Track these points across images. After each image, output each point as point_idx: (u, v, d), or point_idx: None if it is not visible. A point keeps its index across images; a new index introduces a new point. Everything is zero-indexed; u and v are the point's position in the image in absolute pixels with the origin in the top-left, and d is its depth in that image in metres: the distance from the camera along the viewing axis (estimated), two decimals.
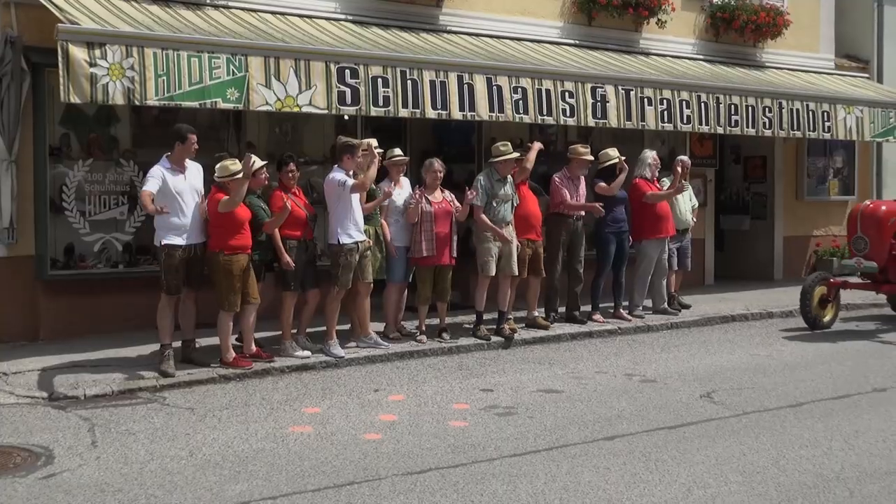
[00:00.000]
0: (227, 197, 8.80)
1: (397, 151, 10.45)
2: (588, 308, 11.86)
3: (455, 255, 10.57)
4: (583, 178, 11.63)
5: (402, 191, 10.49)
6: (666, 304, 12.52)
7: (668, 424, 7.49)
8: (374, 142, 10.02)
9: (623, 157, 11.79)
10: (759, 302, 13.64)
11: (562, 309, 11.85)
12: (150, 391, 8.46)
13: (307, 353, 9.55)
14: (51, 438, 7.01)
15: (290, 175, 9.56)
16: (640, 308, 12.33)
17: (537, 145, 11.23)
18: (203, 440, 7.00)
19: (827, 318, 12.01)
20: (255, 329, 9.59)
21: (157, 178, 8.70)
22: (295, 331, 9.73)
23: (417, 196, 10.24)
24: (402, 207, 10.39)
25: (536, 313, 11.49)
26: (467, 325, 11.15)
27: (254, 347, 9.31)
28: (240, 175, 8.84)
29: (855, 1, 17.65)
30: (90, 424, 7.41)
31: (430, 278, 10.41)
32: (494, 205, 10.56)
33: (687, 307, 12.84)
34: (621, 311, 12.11)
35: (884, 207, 11.90)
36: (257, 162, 9.07)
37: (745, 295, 14.31)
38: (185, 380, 8.69)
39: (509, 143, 10.76)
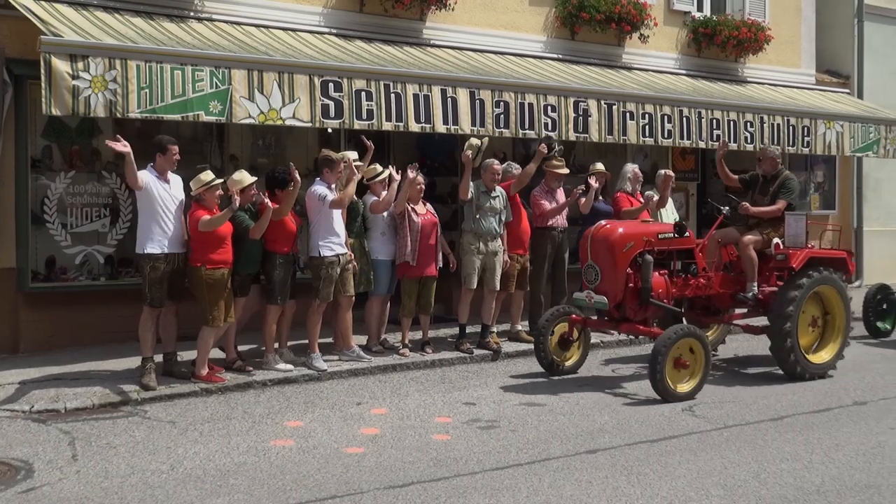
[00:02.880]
0: (208, 217, 8.78)
1: (379, 169, 10.44)
2: None
3: (441, 265, 10.60)
4: (560, 189, 11.62)
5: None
6: None
7: (649, 438, 7.50)
8: (353, 155, 10.05)
9: (599, 173, 11.77)
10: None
11: None
12: (132, 404, 8.41)
13: (289, 366, 9.53)
14: (31, 452, 6.97)
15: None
16: None
17: (542, 152, 11.00)
18: (184, 454, 6.97)
19: (571, 362, 10.03)
20: (238, 341, 9.59)
21: (144, 175, 8.76)
22: (277, 344, 9.71)
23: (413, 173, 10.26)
24: (387, 219, 10.40)
25: (520, 327, 11.50)
26: (450, 339, 11.15)
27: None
28: (216, 183, 8.87)
29: (835, 17, 17.83)
30: (71, 438, 7.37)
31: (414, 291, 10.42)
32: (479, 216, 10.58)
33: None
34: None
35: (620, 230, 9.40)
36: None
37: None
38: (167, 393, 8.65)
39: (474, 140, 10.68)
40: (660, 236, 9.56)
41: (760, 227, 10.32)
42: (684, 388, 8.81)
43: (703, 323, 10.51)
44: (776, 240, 10.10)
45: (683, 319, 10.04)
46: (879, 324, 12.77)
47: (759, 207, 10.35)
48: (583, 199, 11.53)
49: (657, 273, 9.47)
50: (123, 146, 8.53)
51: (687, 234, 9.76)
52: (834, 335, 10.24)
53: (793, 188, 10.43)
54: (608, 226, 9.55)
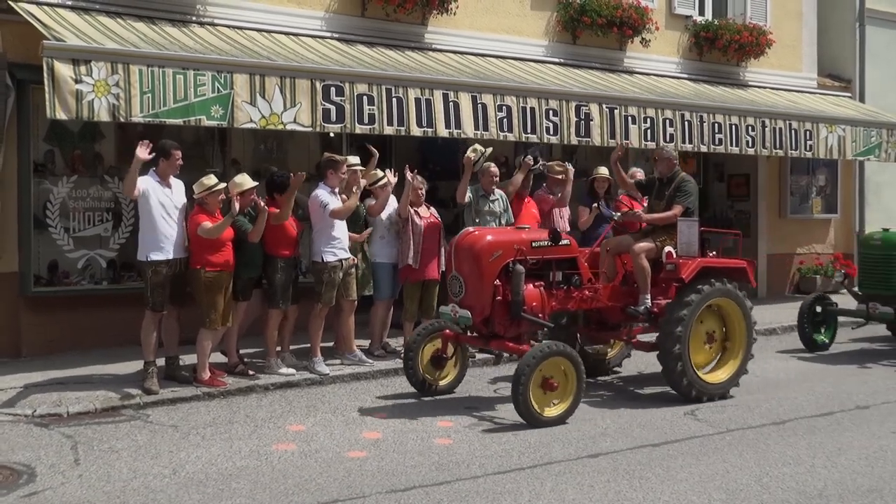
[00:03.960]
0: (209, 224, 8.78)
1: (379, 173, 10.44)
2: None
3: (444, 269, 10.58)
4: (561, 194, 11.61)
5: (388, 208, 10.49)
6: None
7: (651, 442, 7.50)
8: (355, 160, 10.05)
9: (602, 178, 11.62)
10: None
11: None
12: (134, 408, 8.42)
13: (291, 370, 9.54)
14: (33, 456, 6.97)
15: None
16: None
17: (528, 164, 11.13)
18: (186, 458, 6.97)
19: (446, 381, 9.19)
20: (241, 345, 9.60)
21: (143, 181, 8.77)
22: (279, 348, 9.72)
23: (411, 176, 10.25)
24: (386, 223, 10.41)
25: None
26: None
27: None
28: (218, 188, 8.90)
29: (837, 21, 17.84)
30: (73, 442, 7.37)
31: (416, 294, 10.42)
32: (478, 220, 10.58)
33: None
34: None
35: (488, 237, 8.55)
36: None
37: None
38: (169, 397, 8.65)
39: (478, 147, 10.65)
40: (534, 244, 8.66)
41: (655, 234, 9.40)
42: (552, 412, 7.98)
43: (598, 339, 9.92)
44: (667, 248, 9.16)
45: (579, 336, 9.64)
46: (817, 336, 12.03)
47: (654, 213, 9.56)
48: (584, 217, 11.53)
49: (532, 285, 8.61)
50: (148, 156, 8.55)
51: (566, 241, 8.95)
52: (735, 352, 9.31)
53: (689, 191, 9.41)
54: (475, 233, 8.72)
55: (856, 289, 12.20)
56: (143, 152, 8.54)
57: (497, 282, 8.43)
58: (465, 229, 8.98)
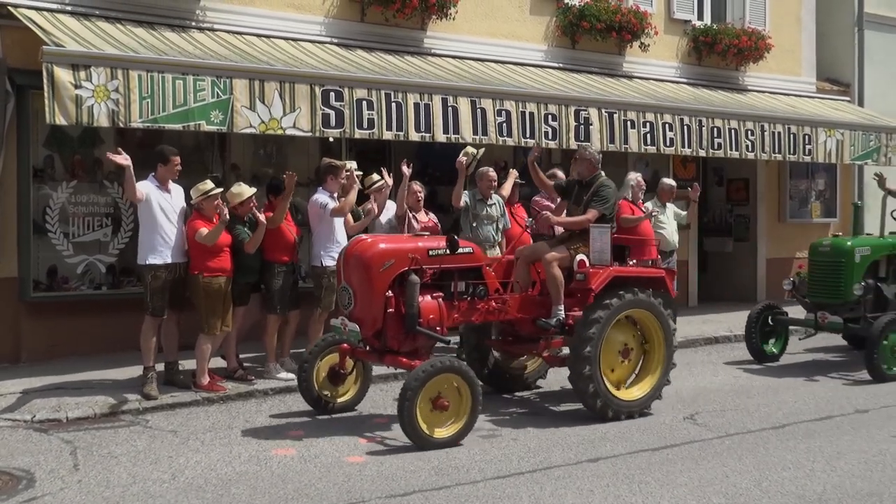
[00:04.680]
0: (207, 230, 8.80)
1: (375, 177, 10.44)
2: None
3: None
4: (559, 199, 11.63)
5: (386, 211, 10.51)
6: None
7: (651, 446, 7.50)
8: (353, 164, 10.07)
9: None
10: (742, 324, 13.56)
11: None
12: (133, 414, 8.42)
13: (291, 375, 9.53)
14: (32, 461, 6.97)
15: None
16: None
17: (514, 174, 11.14)
18: (186, 463, 6.96)
19: (346, 398, 8.61)
20: (240, 350, 9.60)
21: (144, 185, 8.79)
22: (279, 353, 9.72)
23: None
24: (385, 227, 10.41)
25: None
26: (452, 346, 11.12)
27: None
28: (214, 193, 8.90)
29: (836, 25, 17.88)
30: (72, 447, 7.37)
31: None
32: (475, 224, 10.58)
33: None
34: None
35: (380, 245, 7.92)
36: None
37: (729, 317, 14.36)
38: (168, 402, 8.65)
39: (470, 149, 10.52)
40: (431, 253, 7.97)
41: (570, 241, 8.79)
42: (444, 433, 7.40)
43: (514, 352, 9.34)
44: (580, 256, 8.49)
45: (493, 351, 9.23)
46: (766, 347, 11.48)
47: (565, 218, 9.09)
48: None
49: (430, 296, 7.98)
50: (124, 159, 8.55)
51: (467, 249, 8.24)
52: (653, 366, 8.70)
53: (607, 197, 8.74)
54: (367, 240, 8.03)
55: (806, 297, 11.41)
56: (120, 158, 8.55)
57: (389, 293, 7.84)
58: (357, 237, 8.40)
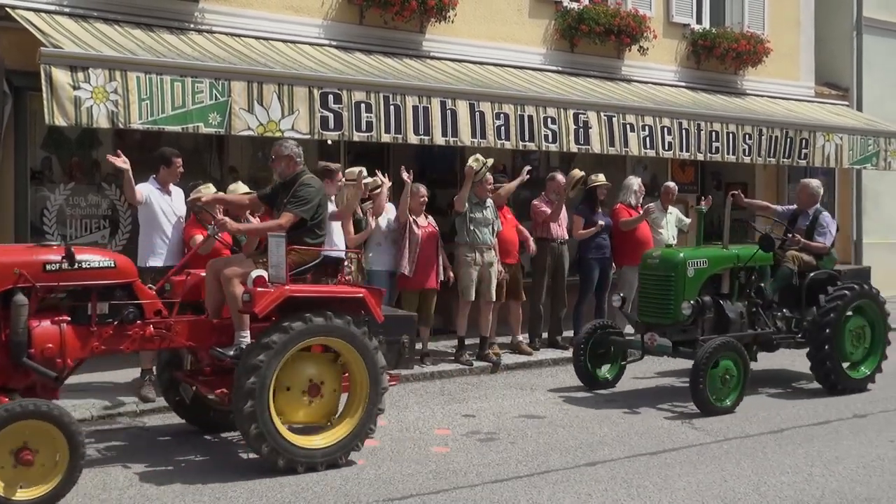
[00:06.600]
0: (200, 239, 8.76)
1: (374, 180, 10.44)
2: (571, 333, 11.87)
3: (442, 278, 10.61)
4: (559, 201, 11.68)
5: (386, 214, 10.50)
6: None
7: (649, 450, 7.49)
8: (363, 171, 10.05)
9: (600, 185, 11.84)
10: None
11: (544, 334, 11.88)
12: (130, 416, 8.41)
13: None
14: None
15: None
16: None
17: (526, 170, 11.20)
18: (183, 466, 6.94)
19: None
20: None
21: (145, 187, 8.78)
22: None
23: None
24: (385, 230, 10.41)
25: (521, 338, 11.51)
26: (449, 351, 11.13)
27: None
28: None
29: (834, 30, 17.88)
30: None
31: (414, 303, 10.41)
32: (472, 228, 10.59)
33: None
34: None
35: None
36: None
37: None
38: (165, 405, 8.61)
39: (480, 157, 10.69)
40: (48, 267, 6.36)
41: (261, 253, 7.30)
42: (24, 495, 5.75)
43: (219, 385, 7.19)
44: (258, 272, 6.83)
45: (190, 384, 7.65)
46: (598, 371, 9.91)
47: (246, 224, 8.21)
48: (579, 227, 11.65)
49: (49, 321, 6.42)
50: (123, 162, 8.52)
51: (108, 262, 6.73)
52: (352, 410, 7.05)
53: (306, 196, 7.24)
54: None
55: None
56: (119, 161, 8.53)
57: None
58: None
